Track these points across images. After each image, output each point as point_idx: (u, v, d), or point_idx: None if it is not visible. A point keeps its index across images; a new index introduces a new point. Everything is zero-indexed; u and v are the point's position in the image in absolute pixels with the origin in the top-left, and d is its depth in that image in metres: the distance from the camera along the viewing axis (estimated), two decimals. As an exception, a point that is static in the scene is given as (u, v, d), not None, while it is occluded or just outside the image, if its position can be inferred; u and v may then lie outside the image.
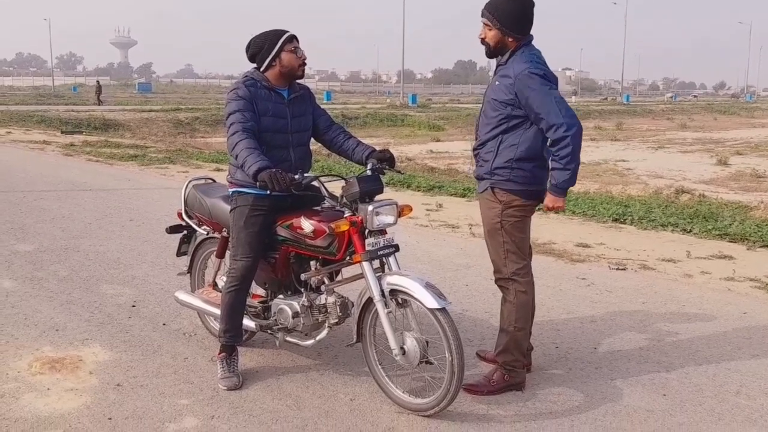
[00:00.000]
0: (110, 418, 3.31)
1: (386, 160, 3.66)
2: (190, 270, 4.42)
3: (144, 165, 13.80)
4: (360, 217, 3.38)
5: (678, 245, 6.91)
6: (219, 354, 3.78)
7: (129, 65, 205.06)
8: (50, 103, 41.44)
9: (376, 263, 3.46)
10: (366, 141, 3.92)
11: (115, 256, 6.29)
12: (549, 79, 3.43)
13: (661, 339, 4.40)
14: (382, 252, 3.43)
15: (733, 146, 26.75)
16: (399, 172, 3.90)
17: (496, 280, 3.69)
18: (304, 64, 3.70)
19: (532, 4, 3.51)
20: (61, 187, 10.49)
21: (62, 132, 22.88)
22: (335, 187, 3.70)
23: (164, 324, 4.58)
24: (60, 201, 9.16)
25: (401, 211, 3.53)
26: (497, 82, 3.53)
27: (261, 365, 3.94)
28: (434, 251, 6.65)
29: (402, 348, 3.31)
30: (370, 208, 3.36)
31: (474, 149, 3.70)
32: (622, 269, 6.06)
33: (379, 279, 3.36)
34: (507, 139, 3.50)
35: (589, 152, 23.16)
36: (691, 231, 7.51)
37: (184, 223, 4.35)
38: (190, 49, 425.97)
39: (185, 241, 4.44)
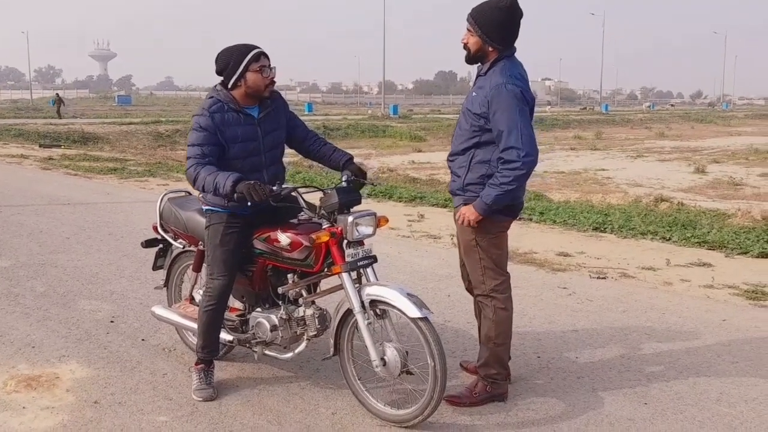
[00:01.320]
0: (87, 437, 3.25)
1: (361, 174, 3.62)
2: (166, 284, 4.37)
3: (123, 178, 13.69)
4: (339, 228, 3.37)
5: (657, 253, 6.96)
6: (196, 365, 3.74)
7: (108, 78, 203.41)
8: (28, 117, 41.02)
9: (354, 274, 3.44)
10: (348, 152, 3.90)
11: (94, 271, 6.21)
12: (525, 97, 3.36)
13: (641, 347, 4.42)
14: (361, 263, 3.42)
15: (710, 155, 27.09)
16: (372, 183, 3.86)
17: (475, 296, 3.67)
18: (272, 83, 3.59)
19: (520, 15, 3.40)
20: (39, 201, 10.36)
21: (40, 145, 22.61)
22: (311, 198, 3.69)
23: (143, 339, 4.52)
24: (38, 215, 9.04)
25: (378, 222, 3.52)
26: (474, 93, 3.49)
27: (241, 379, 3.90)
28: (416, 262, 6.64)
29: (383, 359, 3.29)
30: (351, 219, 3.34)
31: (448, 159, 3.67)
32: (602, 278, 6.09)
33: (358, 290, 3.35)
34: (479, 154, 3.45)
35: (569, 161, 23.37)
36: (670, 239, 7.58)
37: (159, 237, 4.30)
38: (171, 61, 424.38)
39: (161, 254, 4.40)
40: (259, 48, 3.54)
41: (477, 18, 3.40)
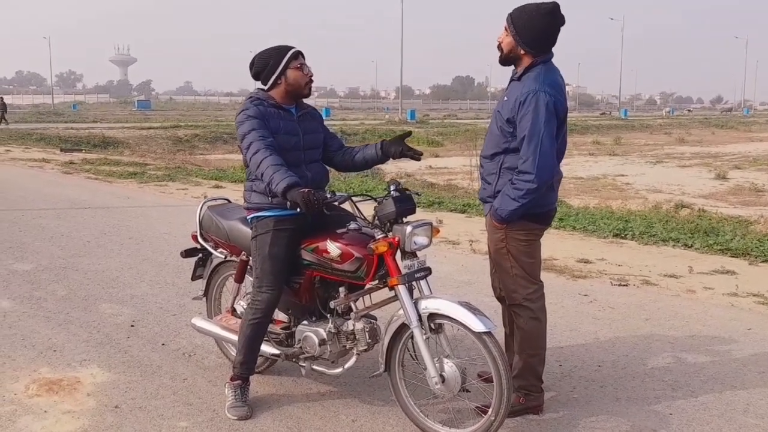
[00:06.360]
0: (108, 442, 3.26)
1: (407, 149, 3.52)
2: (206, 294, 4.22)
3: (143, 182, 13.78)
4: (396, 238, 3.24)
5: (680, 260, 6.87)
6: (232, 380, 3.61)
7: (128, 83, 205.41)
8: (50, 121, 41.53)
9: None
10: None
11: (114, 275, 6.25)
12: (556, 108, 3.25)
13: (665, 356, 4.35)
14: (418, 275, 3.27)
15: (731, 160, 26.77)
16: (417, 193, 3.63)
17: (509, 306, 3.59)
18: (311, 81, 3.58)
19: (561, 23, 3.30)
20: (60, 205, 10.46)
21: (61, 150, 22.90)
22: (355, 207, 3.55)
23: (163, 344, 4.53)
24: (59, 219, 9.13)
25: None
26: (506, 98, 3.40)
27: (261, 386, 3.88)
28: (435, 268, 6.52)
29: (441, 375, 3.15)
30: (409, 228, 3.20)
31: (480, 165, 3.60)
32: (624, 285, 6.02)
33: (414, 303, 3.21)
34: (508, 161, 3.37)
35: (587, 167, 23.23)
36: (692, 246, 7.48)
37: (199, 246, 4.14)
38: (190, 66, 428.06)
39: (200, 264, 4.23)
40: (296, 47, 3.54)
41: (515, 19, 3.30)
